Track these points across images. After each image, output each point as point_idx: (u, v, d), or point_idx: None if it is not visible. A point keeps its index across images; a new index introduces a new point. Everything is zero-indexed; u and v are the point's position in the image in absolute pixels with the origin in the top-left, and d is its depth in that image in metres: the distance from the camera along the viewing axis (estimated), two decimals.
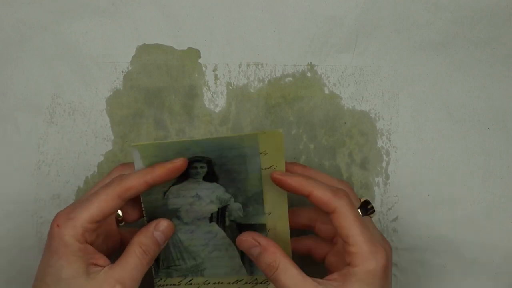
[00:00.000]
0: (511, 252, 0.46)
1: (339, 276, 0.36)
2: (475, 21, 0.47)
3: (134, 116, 0.47)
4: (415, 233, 0.47)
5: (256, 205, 0.40)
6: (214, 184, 0.40)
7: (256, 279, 0.42)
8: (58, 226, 0.36)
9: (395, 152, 0.47)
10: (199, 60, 0.48)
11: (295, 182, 0.38)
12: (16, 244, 0.46)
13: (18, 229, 0.46)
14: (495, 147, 0.47)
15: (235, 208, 0.40)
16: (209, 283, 0.42)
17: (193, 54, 0.48)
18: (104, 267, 0.36)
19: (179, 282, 0.42)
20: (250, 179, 0.39)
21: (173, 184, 0.40)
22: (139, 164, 0.38)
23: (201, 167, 0.39)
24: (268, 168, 0.39)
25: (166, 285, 0.42)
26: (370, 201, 0.40)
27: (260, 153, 0.38)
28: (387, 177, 0.47)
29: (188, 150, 0.38)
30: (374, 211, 0.40)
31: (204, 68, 0.48)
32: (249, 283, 0.42)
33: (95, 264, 0.36)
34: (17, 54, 0.47)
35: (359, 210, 0.39)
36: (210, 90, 0.48)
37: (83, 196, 0.38)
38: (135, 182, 0.37)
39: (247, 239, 0.39)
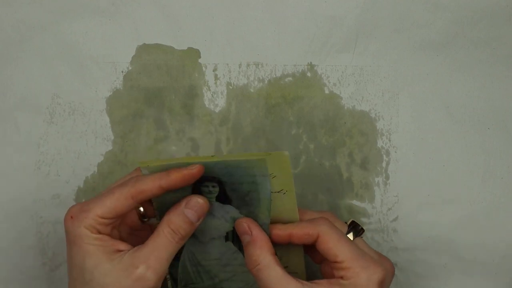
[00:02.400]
0: (511, 252, 0.46)
1: (327, 283, 0.35)
2: (475, 21, 0.47)
3: (134, 116, 0.47)
4: (415, 233, 0.46)
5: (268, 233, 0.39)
6: (228, 206, 0.39)
7: None
8: (71, 217, 0.36)
9: (395, 152, 0.47)
10: (199, 60, 0.48)
11: (274, 237, 0.38)
12: (16, 244, 0.46)
13: (18, 229, 0.46)
14: (495, 147, 0.47)
15: None
16: None
17: (193, 54, 0.48)
18: (125, 250, 0.36)
19: None
20: (261, 206, 0.38)
21: None
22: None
23: (213, 187, 0.38)
24: (278, 192, 0.38)
25: None
26: (356, 221, 0.39)
27: (270, 175, 0.37)
28: (387, 177, 0.47)
29: None
30: (363, 231, 0.39)
31: (204, 68, 0.48)
32: None
33: (117, 250, 0.36)
34: (17, 54, 0.47)
35: (351, 233, 0.39)
36: (210, 90, 0.48)
37: (101, 193, 0.38)
38: (149, 185, 0.36)
39: (242, 224, 0.38)
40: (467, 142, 0.47)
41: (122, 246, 0.36)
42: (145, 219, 0.40)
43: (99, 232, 0.35)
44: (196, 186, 0.38)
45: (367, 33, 0.47)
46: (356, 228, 0.39)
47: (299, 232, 0.37)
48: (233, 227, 0.39)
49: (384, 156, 0.47)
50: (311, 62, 0.48)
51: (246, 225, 0.38)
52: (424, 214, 0.46)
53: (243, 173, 0.37)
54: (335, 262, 0.36)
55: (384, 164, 0.47)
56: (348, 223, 0.39)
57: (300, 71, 0.48)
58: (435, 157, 0.47)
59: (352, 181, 0.47)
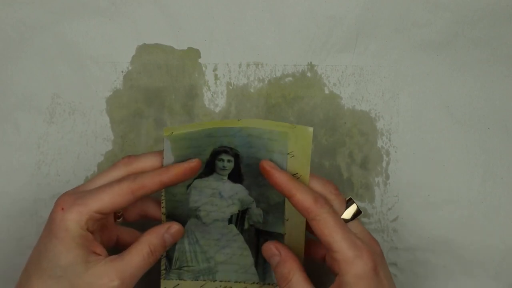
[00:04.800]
0: (511, 252, 0.46)
1: None
2: (475, 21, 0.47)
3: (134, 116, 0.47)
4: (415, 233, 0.47)
5: (277, 214, 0.40)
6: (238, 186, 0.39)
7: (269, 284, 0.42)
8: (62, 209, 0.35)
9: (395, 152, 0.47)
10: (199, 60, 0.48)
11: (280, 178, 0.37)
12: (16, 244, 0.46)
13: (18, 229, 0.46)
14: (495, 147, 0.47)
15: (256, 213, 0.40)
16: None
17: (193, 54, 0.48)
18: (102, 256, 0.36)
19: None
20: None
21: (198, 177, 0.39)
22: (168, 152, 0.38)
23: (228, 161, 0.39)
24: (293, 175, 0.38)
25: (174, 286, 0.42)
26: (353, 199, 0.39)
27: (288, 154, 0.38)
28: (387, 177, 0.47)
29: (218, 138, 0.38)
30: (360, 213, 0.39)
31: (204, 68, 0.48)
32: (257, 283, 0.42)
33: (94, 253, 0.36)
34: (17, 54, 0.47)
35: (347, 212, 0.38)
36: (210, 90, 0.48)
37: (88, 185, 0.38)
38: (150, 181, 0.37)
39: (270, 247, 0.39)
40: (467, 142, 0.47)
41: (99, 249, 0.36)
42: (118, 219, 0.41)
43: (87, 229, 0.35)
44: (212, 160, 0.39)
45: (367, 33, 0.47)
46: (353, 207, 0.39)
47: (302, 200, 0.37)
48: (239, 211, 0.40)
49: (384, 156, 0.47)
50: (311, 62, 0.48)
51: (273, 247, 0.39)
52: (424, 214, 0.46)
53: (262, 146, 0.38)
54: (328, 249, 0.36)
55: (384, 164, 0.47)
56: (347, 199, 0.39)
57: (300, 71, 0.48)
58: (435, 157, 0.47)
59: (352, 181, 0.47)
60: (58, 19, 0.48)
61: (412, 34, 0.48)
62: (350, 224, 0.38)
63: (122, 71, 0.48)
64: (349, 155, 0.47)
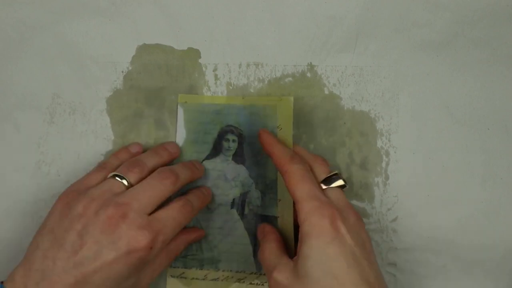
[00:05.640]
0: (511, 252, 0.46)
1: (298, 242, 0.37)
2: (475, 21, 0.47)
3: (134, 116, 0.47)
4: (415, 233, 0.46)
5: (272, 195, 0.44)
6: (241, 167, 0.44)
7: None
8: (151, 248, 0.37)
9: (395, 152, 0.47)
10: (199, 60, 0.48)
11: (266, 138, 0.42)
12: (16, 244, 0.46)
13: (18, 229, 0.46)
14: (495, 147, 0.47)
15: (255, 196, 0.44)
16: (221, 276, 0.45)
17: (193, 54, 0.48)
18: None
19: (192, 278, 0.44)
20: (270, 164, 0.44)
21: (206, 158, 0.44)
22: (181, 123, 0.45)
23: (233, 141, 0.44)
24: None
25: (178, 275, 0.45)
26: (340, 176, 0.40)
27: (277, 127, 0.43)
28: (387, 177, 0.47)
29: (225, 116, 0.45)
30: (345, 186, 0.40)
31: (204, 68, 0.48)
32: (255, 273, 0.45)
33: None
34: (17, 54, 0.47)
35: (326, 182, 0.40)
36: (210, 90, 0.48)
37: (142, 198, 0.38)
38: (188, 180, 0.42)
39: (260, 227, 0.44)
40: (467, 142, 0.47)
41: None
42: None
43: None
44: (219, 141, 0.45)
45: (367, 33, 0.47)
46: (338, 182, 0.40)
47: (279, 156, 0.40)
48: (240, 194, 0.45)
49: (384, 156, 0.47)
50: (311, 62, 0.48)
51: (263, 226, 0.43)
52: (424, 214, 0.46)
53: (261, 123, 0.44)
54: (294, 200, 0.38)
55: (383, 165, 0.47)
56: (331, 174, 0.40)
57: (300, 71, 0.48)
58: (435, 157, 0.47)
59: (352, 181, 0.47)
60: (58, 19, 0.48)
61: (412, 34, 0.48)
62: (329, 190, 0.39)
63: (122, 71, 0.48)
64: (349, 155, 0.47)
